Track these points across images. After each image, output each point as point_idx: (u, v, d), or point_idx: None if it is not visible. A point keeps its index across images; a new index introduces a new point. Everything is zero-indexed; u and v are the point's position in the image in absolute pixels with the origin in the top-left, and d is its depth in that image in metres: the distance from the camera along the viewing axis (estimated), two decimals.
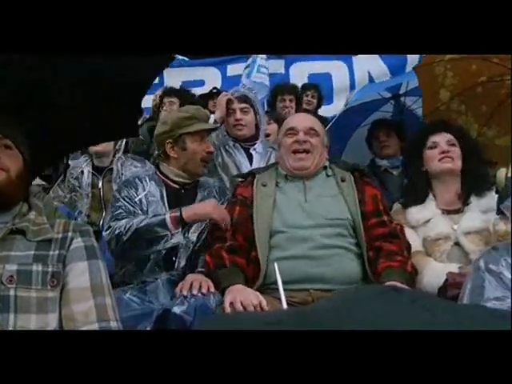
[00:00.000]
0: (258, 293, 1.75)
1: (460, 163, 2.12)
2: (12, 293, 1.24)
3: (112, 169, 3.09)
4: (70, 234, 1.37)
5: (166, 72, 5.13)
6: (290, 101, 4.02)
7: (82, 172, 3.08)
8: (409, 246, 1.96)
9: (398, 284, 1.69)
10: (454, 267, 1.88)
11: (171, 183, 2.20)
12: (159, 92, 4.12)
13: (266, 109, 4.07)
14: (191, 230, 2.09)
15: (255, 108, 2.76)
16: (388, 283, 1.69)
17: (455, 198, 2.10)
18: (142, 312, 1.78)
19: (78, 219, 2.82)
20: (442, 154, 2.10)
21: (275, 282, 1.61)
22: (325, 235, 1.88)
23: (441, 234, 2.00)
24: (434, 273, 1.88)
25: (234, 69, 5.21)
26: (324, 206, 1.97)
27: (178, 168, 2.20)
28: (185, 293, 1.80)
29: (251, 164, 2.65)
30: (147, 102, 4.18)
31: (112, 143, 3.16)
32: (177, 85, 4.84)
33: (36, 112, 1.48)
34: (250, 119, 2.73)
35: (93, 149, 3.10)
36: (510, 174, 2.87)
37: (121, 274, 2.07)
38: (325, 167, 2.12)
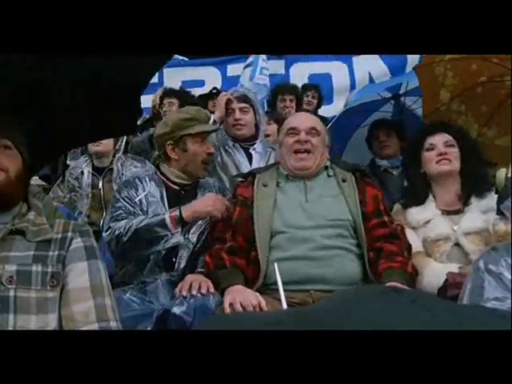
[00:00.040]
0: (257, 293, 1.75)
1: (458, 164, 2.11)
2: (12, 293, 1.24)
3: (112, 169, 3.10)
4: (69, 234, 1.37)
5: (166, 72, 5.14)
6: (291, 101, 4.02)
7: (82, 172, 3.09)
8: (409, 247, 1.96)
9: (399, 285, 1.69)
10: (454, 267, 1.88)
11: (171, 184, 2.20)
12: (159, 93, 4.12)
13: (266, 109, 4.07)
14: (191, 231, 2.09)
15: (255, 108, 2.75)
16: (388, 284, 1.68)
17: (455, 199, 2.10)
18: (142, 312, 1.78)
19: (78, 219, 2.82)
20: (440, 156, 2.09)
21: (275, 283, 1.60)
22: (325, 236, 1.88)
23: (441, 234, 2.00)
24: (434, 273, 1.88)
25: (233, 69, 5.21)
26: (325, 206, 1.96)
27: (179, 169, 2.20)
28: (184, 293, 1.80)
29: (251, 164, 2.65)
30: (147, 101, 4.19)
31: (112, 143, 3.16)
32: (176, 84, 4.84)
33: (36, 112, 1.48)
34: (250, 119, 2.73)
35: (93, 149, 3.11)
36: (509, 174, 2.87)
37: (121, 274, 2.07)
38: (326, 167, 2.12)
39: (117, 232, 1.95)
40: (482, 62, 2.84)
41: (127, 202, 2.07)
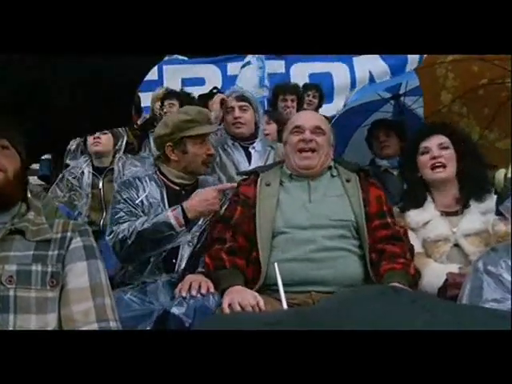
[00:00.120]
0: (256, 293, 1.75)
1: (453, 168, 2.10)
2: (12, 293, 1.24)
3: (112, 169, 3.10)
4: (69, 234, 1.37)
5: (166, 70, 5.14)
6: (292, 101, 4.00)
7: (83, 172, 3.08)
8: (412, 249, 1.95)
9: (399, 285, 1.68)
10: (454, 268, 1.88)
11: (171, 184, 2.19)
12: (160, 94, 4.12)
13: (266, 108, 4.07)
14: (192, 231, 2.09)
15: (254, 106, 2.76)
16: (389, 285, 1.68)
17: (453, 202, 2.09)
18: (142, 313, 1.78)
19: (78, 219, 2.82)
20: (434, 159, 2.08)
21: (276, 283, 1.60)
22: (327, 237, 1.87)
23: (440, 235, 2.00)
24: (434, 273, 1.88)
25: (234, 67, 5.20)
26: (329, 206, 1.95)
27: (179, 170, 2.19)
28: (184, 294, 1.80)
29: (250, 163, 2.65)
30: (146, 100, 4.19)
31: (112, 143, 3.16)
32: (177, 82, 4.84)
33: (36, 112, 1.48)
34: (250, 117, 2.72)
35: (93, 149, 3.11)
36: (509, 175, 2.87)
37: (121, 274, 2.07)
38: (330, 167, 2.10)
39: (121, 235, 1.94)
40: (483, 64, 2.83)
41: (129, 204, 2.06)
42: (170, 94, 4.05)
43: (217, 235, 1.98)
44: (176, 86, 4.52)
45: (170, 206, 2.07)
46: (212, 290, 1.83)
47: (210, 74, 5.36)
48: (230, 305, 1.69)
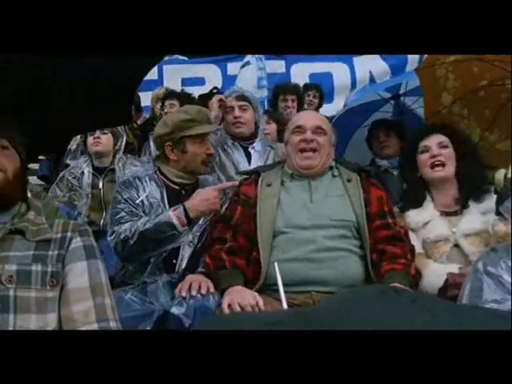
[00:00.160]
0: (255, 293, 1.75)
1: (453, 167, 2.10)
2: (12, 293, 1.24)
3: (112, 169, 3.10)
4: (69, 233, 1.37)
5: (166, 69, 5.14)
6: (292, 101, 3.99)
7: (83, 172, 3.08)
8: (413, 249, 1.95)
9: (400, 286, 1.68)
10: (454, 268, 1.88)
11: (171, 184, 2.19)
12: (160, 94, 4.13)
13: (266, 108, 4.07)
14: (192, 231, 2.09)
15: (254, 106, 2.76)
16: (390, 285, 1.68)
17: (453, 202, 2.09)
18: (143, 313, 1.78)
19: (78, 219, 2.82)
20: (433, 158, 2.08)
21: (276, 283, 1.60)
22: (328, 237, 1.87)
23: (440, 235, 2.00)
24: (434, 273, 1.88)
25: (234, 67, 5.20)
26: (330, 206, 1.95)
27: (178, 170, 2.19)
28: (184, 294, 1.80)
29: (249, 163, 2.65)
30: (146, 100, 4.19)
31: (112, 143, 3.16)
32: (177, 82, 4.83)
33: (36, 112, 1.48)
34: (250, 117, 2.72)
35: (93, 149, 3.12)
36: (509, 175, 2.86)
37: (121, 274, 2.07)
38: (331, 167, 2.10)
39: (122, 235, 1.94)
40: (483, 65, 2.83)
41: (129, 204, 2.06)
42: (170, 94, 4.05)
43: (217, 235, 1.98)
44: (176, 86, 4.52)
45: (170, 206, 2.07)
46: (212, 290, 1.83)
47: (210, 74, 5.35)
48: (229, 305, 1.69)
